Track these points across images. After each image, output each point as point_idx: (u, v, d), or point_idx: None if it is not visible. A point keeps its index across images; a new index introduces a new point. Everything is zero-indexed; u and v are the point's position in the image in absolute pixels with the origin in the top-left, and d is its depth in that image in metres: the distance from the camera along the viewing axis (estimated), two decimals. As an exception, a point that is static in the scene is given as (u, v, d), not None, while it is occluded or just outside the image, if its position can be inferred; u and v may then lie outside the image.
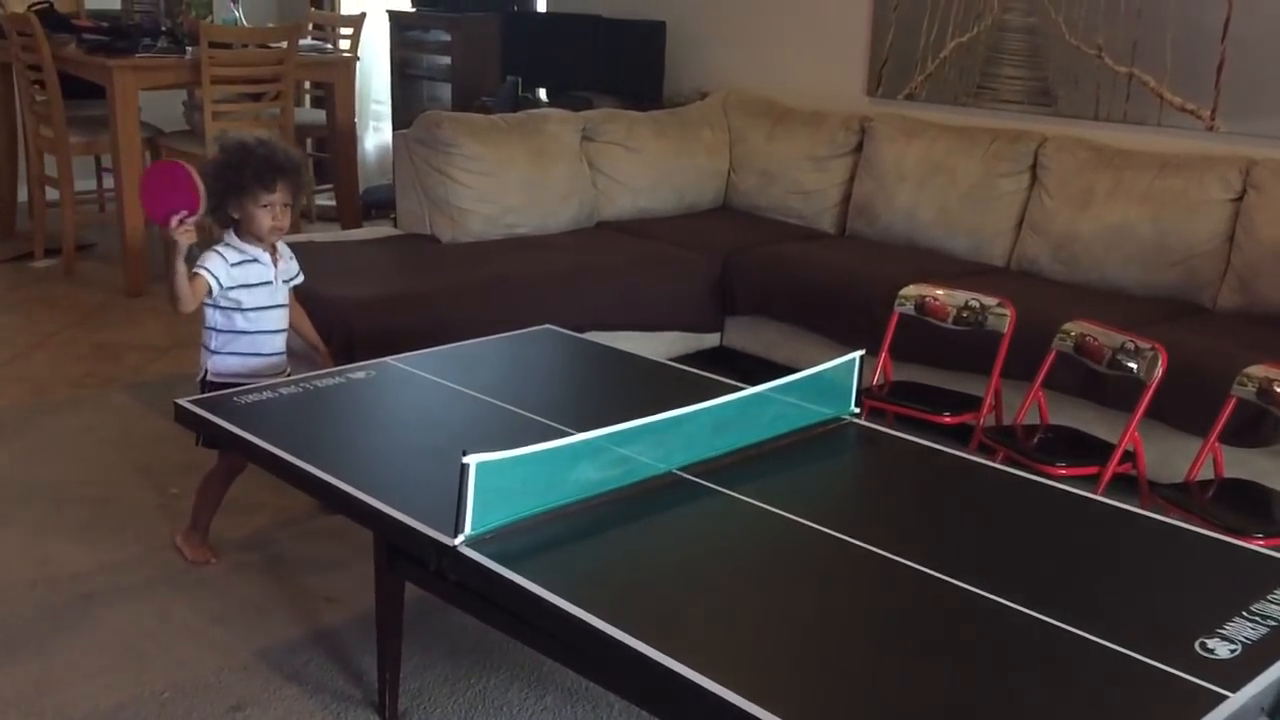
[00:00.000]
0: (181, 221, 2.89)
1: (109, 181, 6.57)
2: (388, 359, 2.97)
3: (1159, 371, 3.06)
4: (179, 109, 6.60)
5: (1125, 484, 3.14)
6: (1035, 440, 3.29)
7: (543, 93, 6.34)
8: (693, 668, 1.63)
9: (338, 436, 2.56)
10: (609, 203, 4.91)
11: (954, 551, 2.07)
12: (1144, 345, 3.11)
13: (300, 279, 3.18)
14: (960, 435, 3.52)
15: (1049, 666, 1.73)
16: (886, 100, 5.02)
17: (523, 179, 4.60)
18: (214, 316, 3.07)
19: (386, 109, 7.46)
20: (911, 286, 3.66)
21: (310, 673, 2.68)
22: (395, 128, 6.94)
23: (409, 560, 2.31)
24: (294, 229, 3.99)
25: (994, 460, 3.33)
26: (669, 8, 5.78)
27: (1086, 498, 2.37)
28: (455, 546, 1.94)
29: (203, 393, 3.02)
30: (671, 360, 4.32)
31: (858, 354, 2.58)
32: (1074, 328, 3.30)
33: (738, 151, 5.19)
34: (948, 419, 3.44)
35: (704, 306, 4.48)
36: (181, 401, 2.62)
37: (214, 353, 3.08)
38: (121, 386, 4.43)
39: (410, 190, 4.59)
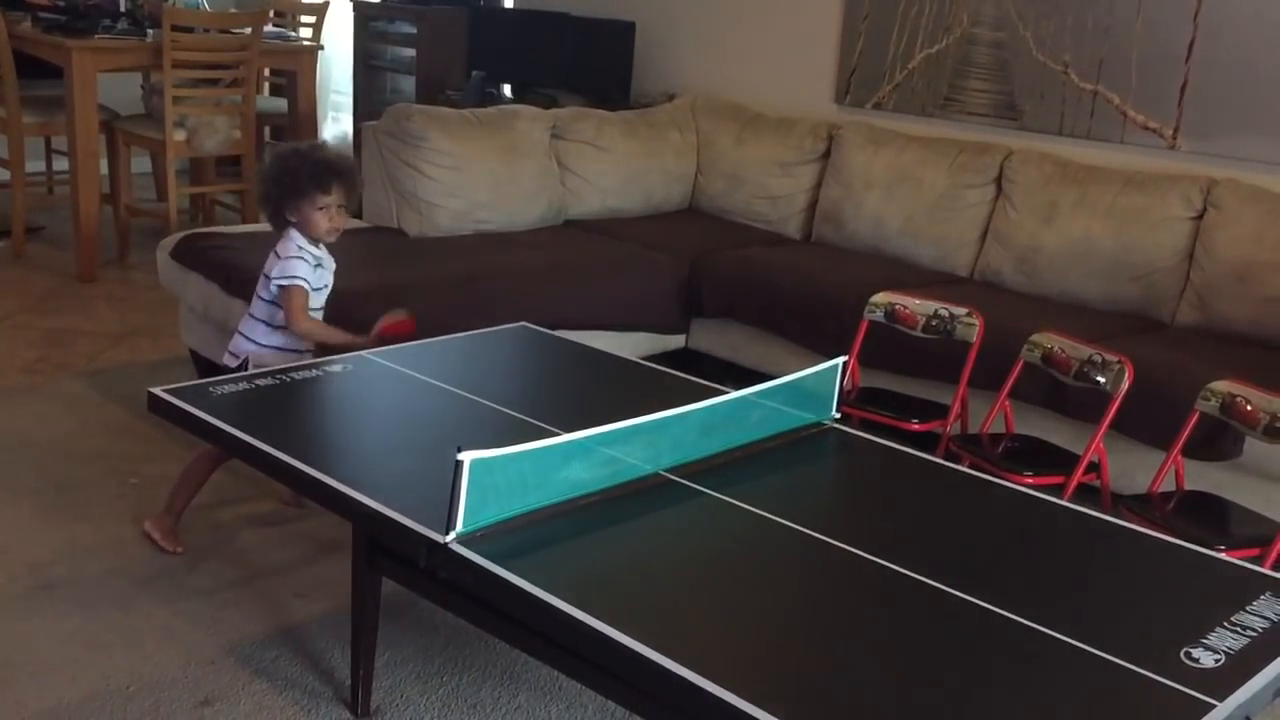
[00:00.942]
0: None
1: (58, 164, 6.45)
2: (363, 353, 2.94)
3: (1125, 384, 3.12)
4: (135, 92, 6.50)
5: (1087, 494, 3.19)
6: (1001, 449, 3.34)
7: (507, 89, 6.31)
8: (693, 669, 1.64)
9: (318, 430, 2.53)
10: (577, 201, 4.90)
11: (937, 555, 2.09)
12: (1110, 358, 3.16)
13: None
14: (926, 442, 3.56)
15: (1035, 671, 1.76)
16: (854, 109, 5.06)
17: (492, 175, 4.58)
18: (271, 311, 3.09)
19: (347, 99, 7.39)
20: (881, 294, 3.69)
21: (280, 668, 2.64)
22: (356, 119, 6.88)
23: (389, 557, 2.30)
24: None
25: (962, 463, 3.38)
26: (639, 8, 5.79)
27: (1063, 506, 2.41)
28: (446, 544, 1.93)
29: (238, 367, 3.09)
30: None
31: (840, 360, 2.60)
32: (1042, 339, 3.35)
33: (705, 155, 5.20)
34: (915, 426, 3.48)
35: (671, 308, 4.48)
36: (156, 390, 2.58)
37: (259, 345, 3.08)
38: (75, 374, 4.34)
39: (377, 182, 4.54)
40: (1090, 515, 2.37)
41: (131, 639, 2.71)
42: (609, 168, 4.95)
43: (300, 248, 3.04)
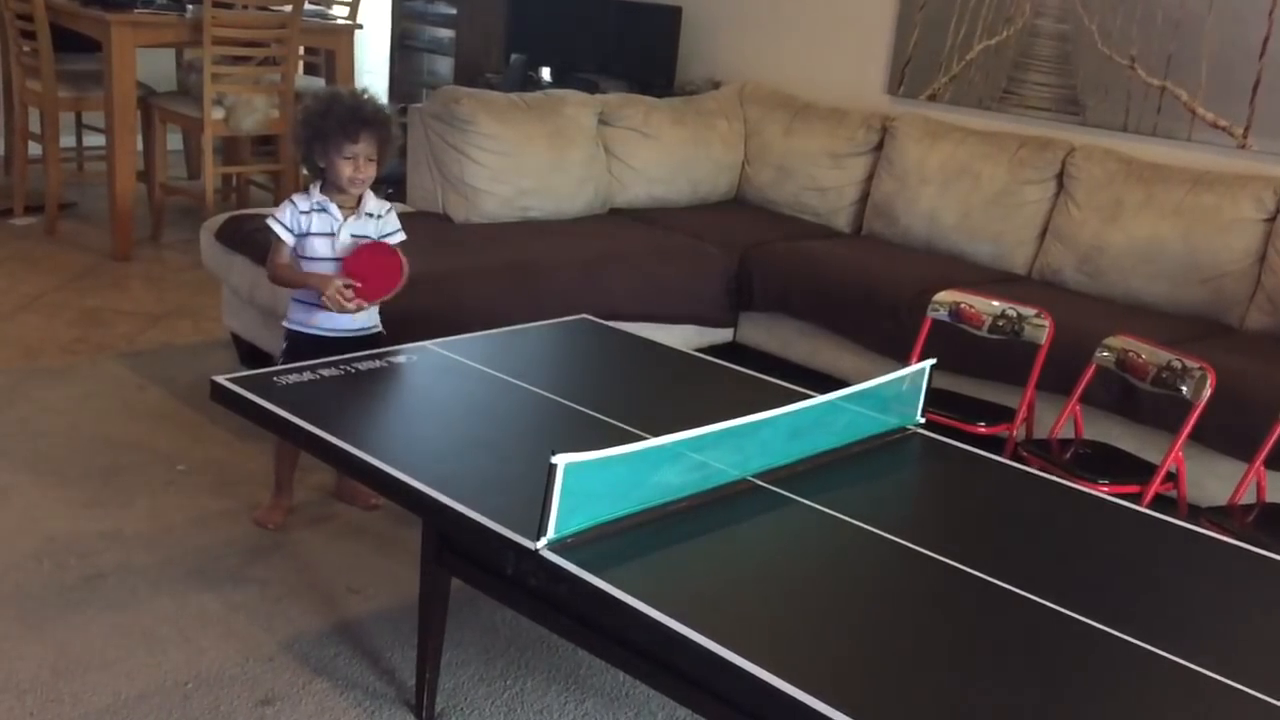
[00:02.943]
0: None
1: (90, 139, 6.37)
2: (426, 343, 2.86)
3: (1207, 392, 3.02)
4: (170, 69, 6.41)
5: (1162, 504, 3.09)
6: (1071, 455, 3.25)
7: (546, 72, 6.21)
8: (792, 683, 1.56)
9: (387, 422, 2.45)
10: (623, 189, 4.81)
11: (1029, 566, 2.02)
12: (1192, 365, 3.07)
13: (397, 237, 3.09)
14: (991, 445, 3.47)
15: (1128, 685, 1.69)
16: (908, 100, 4.96)
17: (539, 161, 4.49)
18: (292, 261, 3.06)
19: (380, 80, 7.29)
20: (946, 292, 3.60)
21: (339, 667, 2.57)
22: (391, 100, 6.79)
23: (459, 555, 2.22)
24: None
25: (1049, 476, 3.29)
26: (685, -7, 5.68)
27: (1157, 518, 2.32)
28: (538, 550, 1.85)
29: (285, 339, 3.07)
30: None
31: (928, 364, 2.51)
32: (1116, 343, 3.26)
33: (753, 144, 5.10)
34: (982, 429, 3.38)
35: (720, 301, 4.39)
36: (219, 379, 2.49)
37: (293, 299, 3.05)
38: (115, 355, 4.26)
39: (423, 167, 4.46)
40: (1190, 530, 2.28)
41: (187, 633, 2.63)
42: (656, 156, 4.86)
43: (304, 191, 2.99)
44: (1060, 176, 4.32)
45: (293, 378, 2.54)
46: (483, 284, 3.77)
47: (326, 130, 2.90)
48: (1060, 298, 4.02)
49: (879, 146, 4.79)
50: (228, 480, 3.37)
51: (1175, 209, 3.98)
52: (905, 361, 3.92)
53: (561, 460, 1.81)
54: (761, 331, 4.44)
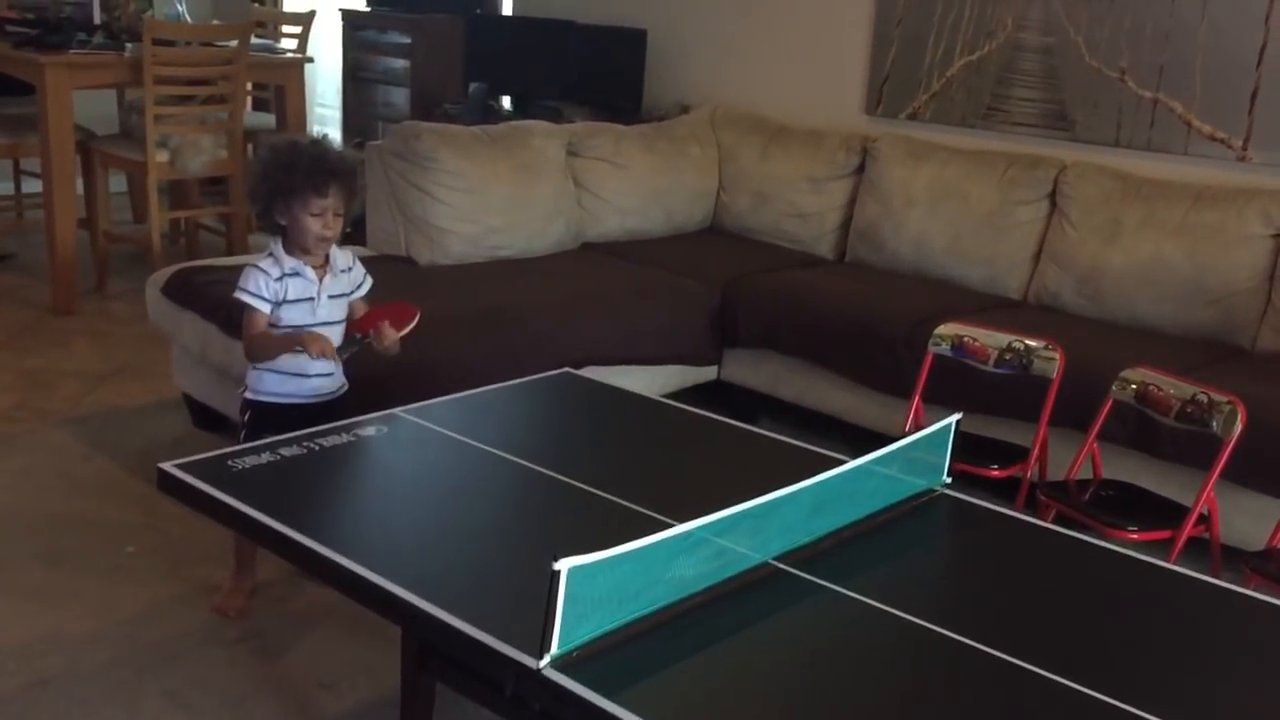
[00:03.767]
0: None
1: (29, 186, 6.06)
2: (397, 410, 2.60)
3: (1238, 428, 2.82)
4: (111, 110, 6.12)
5: (1195, 547, 2.89)
6: (1092, 497, 3.04)
7: (506, 101, 5.97)
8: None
9: (355, 510, 2.19)
10: (594, 222, 4.58)
11: (1086, 651, 1.80)
12: (1220, 398, 2.86)
13: (366, 287, 2.86)
14: (1006, 488, 3.26)
15: None
16: (887, 120, 4.76)
17: (507, 197, 4.25)
18: None
19: (333, 114, 7.04)
20: (948, 325, 3.39)
21: (313, 781, 2.31)
22: (345, 134, 6.53)
23: (447, 661, 1.97)
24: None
25: (1045, 518, 3.08)
26: (650, 15, 5.46)
27: (1218, 586, 2.11)
28: (540, 670, 1.60)
29: (242, 412, 2.80)
30: (667, 396, 4.04)
31: (954, 418, 2.28)
32: (1135, 375, 3.05)
33: (728, 170, 4.89)
34: (995, 472, 3.17)
35: (703, 338, 4.16)
36: (167, 467, 2.22)
37: (255, 368, 2.78)
38: (58, 421, 3.97)
39: (383, 207, 4.20)
40: (1253, 598, 2.06)
41: (140, 748, 2.36)
42: (628, 186, 4.63)
43: (268, 255, 2.72)
44: (1053, 195, 4.13)
45: (249, 460, 2.27)
46: (453, 334, 3.51)
47: (291, 185, 2.64)
48: (1062, 323, 3.81)
49: (860, 169, 4.59)
50: (181, 561, 3.09)
51: (1177, 227, 3.80)
52: (904, 398, 3.73)
53: (564, 565, 1.57)
54: (747, 369, 4.21)
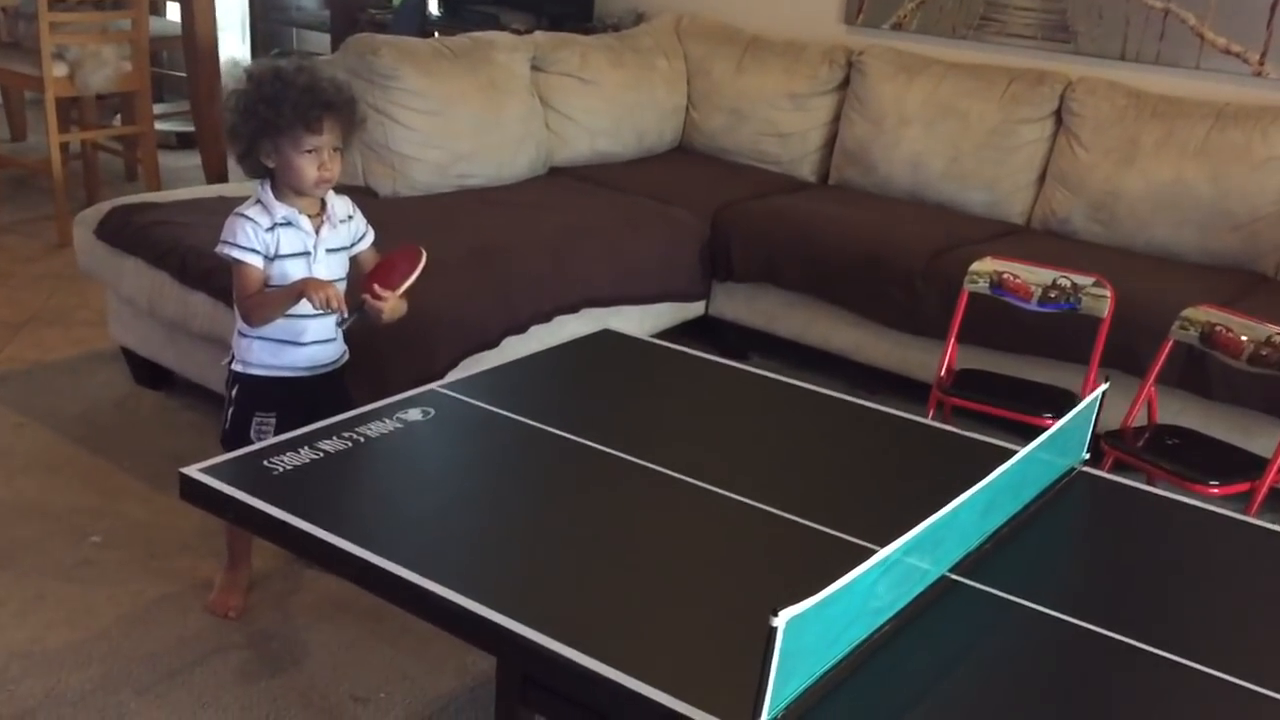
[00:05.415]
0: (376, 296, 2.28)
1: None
2: (434, 387, 2.26)
3: (1321, 371, 2.66)
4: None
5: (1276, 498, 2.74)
6: (1156, 446, 2.85)
7: (434, 4, 5.48)
8: None
9: (421, 514, 1.85)
10: (563, 145, 4.20)
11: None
12: (1301, 340, 2.69)
13: (369, 239, 2.48)
14: (1033, 433, 3.07)
15: None
16: (869, 30, 4.46)
17: (474, 119, 3.84)
18: None
19: (233, 18, 6.41)
20: (984, 261, 3.15)
21: (374, 821, 2.00)
22: (254, 41, 5.96)
23: (554, 694, 1.68)
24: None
25: (1102, 467, 2.90)
26: (600, -89, 5.02)
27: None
28: (753, 743, 1.32)
29: (229, 385, 2.42)
30: (657, 336, 3.75)
31: (1103, 389, 2.03)
32: (1199, 315, 2.86)
33: (698, 85, 4.54)
34: (1048, 421, 2.95)
35: (694, 273, 3.86)
36: (192, 472, 1.85)
37: (243, 336, 2.39)
38: (-26, 382, 3.49)
39: (336, 131, 3.75)
40: None
41: (161, 794, 2.02)
42: (597, 104, 4.25)
43: (256, 201, 2.33)
44: (1059, 113, 3.90)
45: (288, 458, 1.91)
46: (442, 280, 3.12)
47: (278, 121, 2.24)
48: (1073, 250, 3.62)
49: (844, 84, 4.29)
50: (158, 551, 2.71)
51: (1199, 148, 3.61)
52: (919, 335, 3.52)
53: (782, 619, 1.28)
54: (740, 304, 3.92)
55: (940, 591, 1.65)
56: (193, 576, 2.61)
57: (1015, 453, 1.75)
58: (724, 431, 2.24)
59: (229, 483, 1.83)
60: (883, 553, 1.45)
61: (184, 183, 5.38)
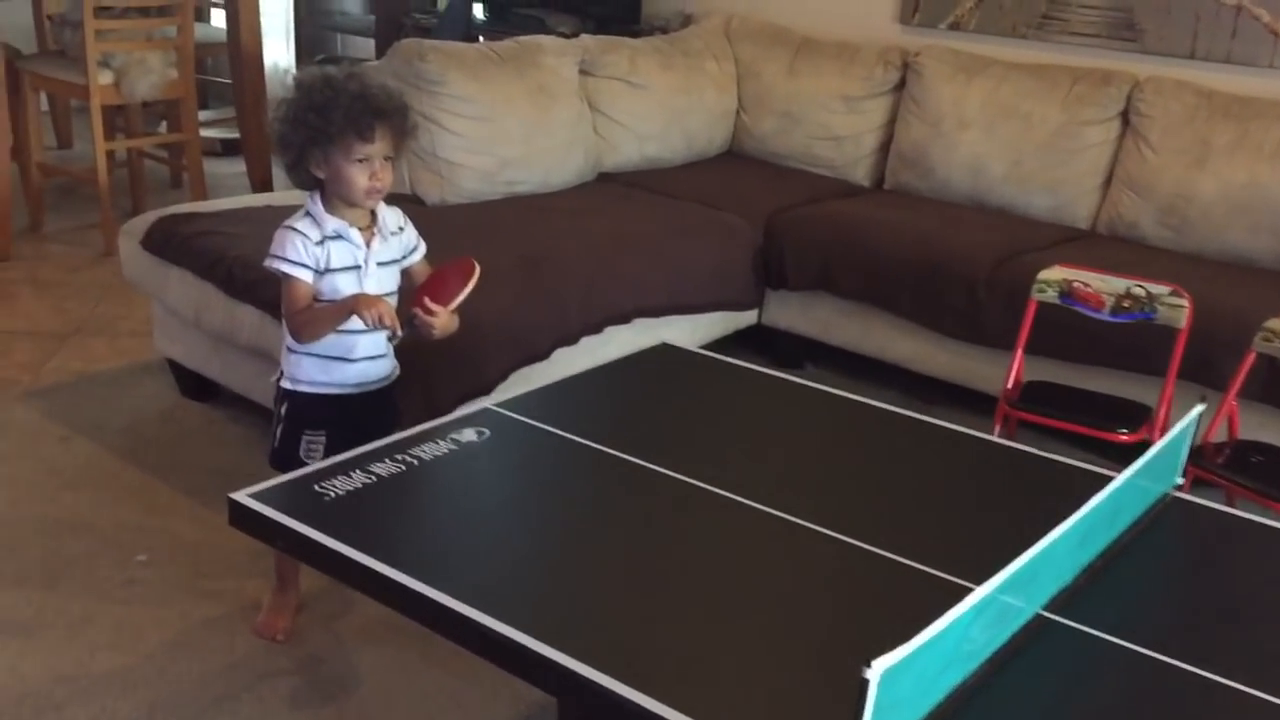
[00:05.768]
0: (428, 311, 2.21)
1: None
2: (489, 405, 2.18)
3: None
4: (25, 21, 5.43)
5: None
6: (1234, 462, 2.73)
7: (478, 9, 5.42)
8: None
9: (476, 544, 1.77)
10: (611, 151, 4.12)
11: None
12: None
13: (421, 251, 2.41)
14: (1105, 449, 2.96)
15: None
16: (924, 30, 4.34)
17: (523, 124, 3.77)
18: None
19: (274, 24, 6.36)
20: (1053, 269, 3.03)
21: None
22: (298, 51, 5.92)
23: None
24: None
25: (1182, 486, 2.78)
26: (647, -89, 4.94)
27: None
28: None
29: (278, 403, 2.35)
30: (708, 347, 3.66)
31: (1198, 410, 1.92)
32: (1283, 326, 2.74)
33: (749, 88, 4.44)
34: (1124, 437, 2.84)
35: (746, 280, 3.76)
36: (242, 498, 1.78)
37: (292, 352, 2.33)
38: (20, 395, 3.45)
39: (382, 138, 3.68)
40: None
41: (211, 830, 1.95)
42: (647, 109, 4.17)
43: (306, 214, 2.26)
44: (1125, 114, 3.77)
45: (340, 483, 1.84)
46: (493, 289, 3.04)
47: (328, 129, 2.17)
48: (1145, 257, 3.49)
49: (900, 86, 4.18)
50: (205, 570, 2.64)
51: (1276, 150, 3.47)
52: (981, 345, 3.40)
53: (876, 670, 1.19)
54: (794, 312, 3.82)
55: (1034, 632, 1.55)
56: (240, 597, 2.54)
57: (1098, 474, 1.65)
58: (790, 452, 2.14)
59: (279, 509, 1.75)
60: (979, 591, 1.35)
61: (229, 190, 5.36)
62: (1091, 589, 1.66)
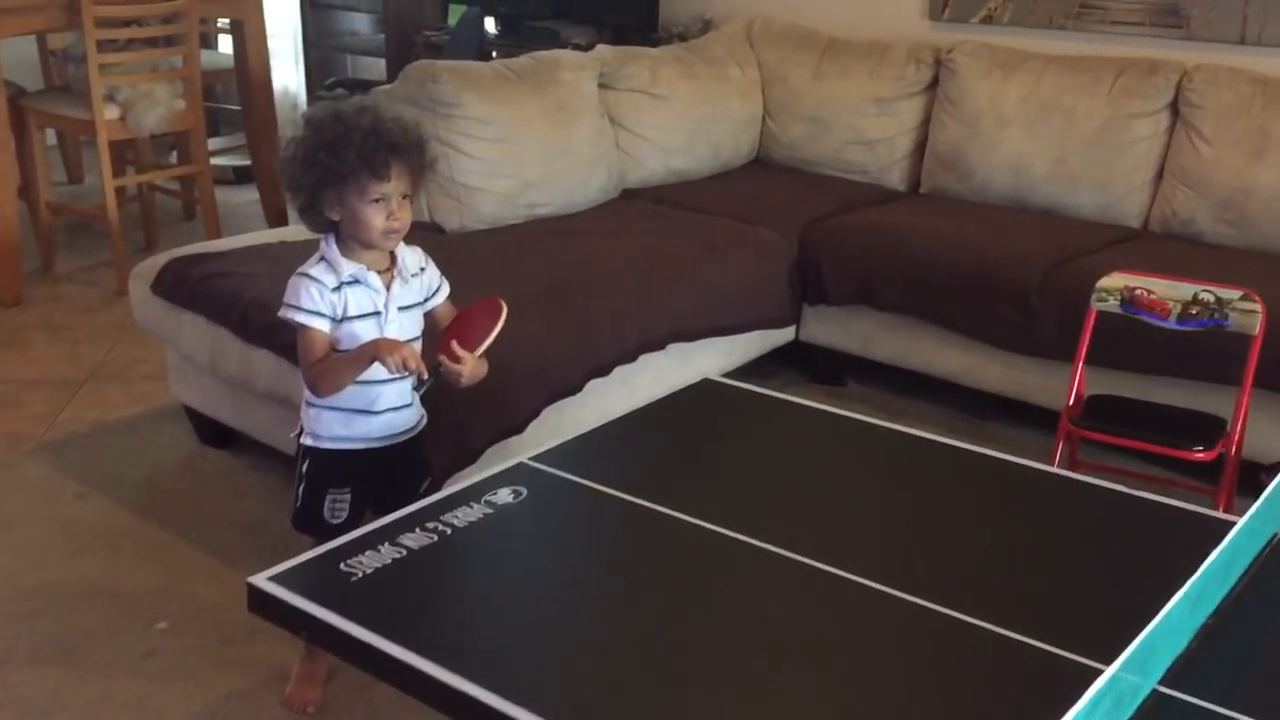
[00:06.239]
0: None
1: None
2: (525, 460, 2.02)
3: None
4: (30, 56, 5.32)
5: None
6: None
7: (490, 24, 5.27)
8: None
9: (522, 629, 1.61)
10: (635, 166, 3.96)
11: None
12: None
13: (444, 292, 2.26)
14: (1177, 466, 2.79)
15: None
16: (956, 26, 4.16)
17: (542, 144, 3.61)
18: None
19: (283, 46, 6.24)
20: (1113, 276, 2.86)
21: None
22: (308, 74, 5.79)
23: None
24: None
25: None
26: (661, -86, 4.77)
27: None
28: None
29: (299, 460, 2.20)
30: (746, 368, 3.52)
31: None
32: (1368, 330, 2.55)
33: (775, 94, 4.27)
34: (1201, 455, 2.66)
35: (782, 297, 3.60)
36: (259, 582, 1.63)
37: (311, 405, 2.18)
38: (33, 449, 3.31)
39: (397, 165, 3.54)
40: None
41: None
42: (670, 121, 4.00)
43: (321, 259, 2.11)
44: (1175, 105, 3.58)
45: (368, 560, 1.68)
46: (518, 322, 2.90)
47: (341, 169, 2.02)
48: (1205, 256, 3.31)
49: (933, 85, 4.01)
50: (228, 636, 2.49)
51: (1338, 138, 3.28)
52: (1035, 356, 3.22)
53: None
54: (833, 327, 3.65)
55: (1150, 713, 1.38)
56: (267, 665, 2.39)
57: (1187, 512, 1.48)
58: (855, 502, 1.98)
59: (302, 594, 1.60)
60: (1107, 674, 1.18)
61: (243, 219, 5.24)
62: (1208, 654, 1.49)
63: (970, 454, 2.12)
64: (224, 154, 5.61)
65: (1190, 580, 1.35)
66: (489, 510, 1.83)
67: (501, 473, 1.95)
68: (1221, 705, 1.41)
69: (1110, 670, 1.19)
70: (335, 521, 2.21)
